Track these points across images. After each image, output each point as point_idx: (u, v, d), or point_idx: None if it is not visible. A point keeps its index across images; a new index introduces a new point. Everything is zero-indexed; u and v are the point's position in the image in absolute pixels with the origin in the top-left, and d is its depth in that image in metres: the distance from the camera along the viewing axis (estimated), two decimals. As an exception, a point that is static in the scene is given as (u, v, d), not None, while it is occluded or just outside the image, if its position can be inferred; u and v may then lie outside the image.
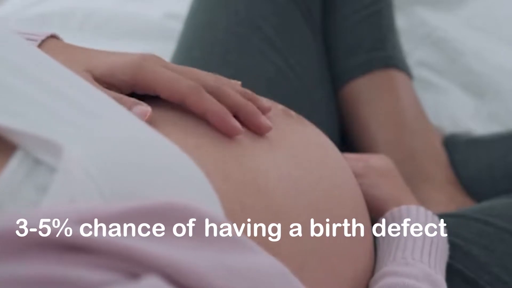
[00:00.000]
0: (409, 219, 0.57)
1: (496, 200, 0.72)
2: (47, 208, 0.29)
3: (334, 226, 0.49)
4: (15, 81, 0.35)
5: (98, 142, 0.34)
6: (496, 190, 0.81)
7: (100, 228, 0.28)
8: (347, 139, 0.91)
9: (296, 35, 0.85)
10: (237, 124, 0.45)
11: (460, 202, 0.83)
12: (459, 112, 1.00)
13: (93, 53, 0.50)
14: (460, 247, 0.60)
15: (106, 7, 1.12)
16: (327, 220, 0.48)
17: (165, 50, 0.91)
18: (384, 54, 0.89)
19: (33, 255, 0.26)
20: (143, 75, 0.46)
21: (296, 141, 0.50)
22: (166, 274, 0.28)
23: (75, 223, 0.27)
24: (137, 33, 1.07)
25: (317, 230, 0.47)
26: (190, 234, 0.31)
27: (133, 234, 0.29)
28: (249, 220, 0.42)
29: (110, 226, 0.28)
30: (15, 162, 0.31)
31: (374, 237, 0.58)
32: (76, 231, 0.27)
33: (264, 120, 0.48)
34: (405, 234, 0.55)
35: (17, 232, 0.26)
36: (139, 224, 0.29)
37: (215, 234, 0.32)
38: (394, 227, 0.57)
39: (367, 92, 0.87)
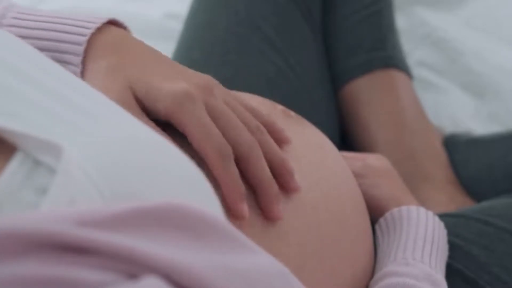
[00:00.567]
0: (409, 220, 0.57)
1: (496, 200, 0.72)
2: (47, 209, 0.29)
3: (333, 226, 0.49)
4: (14, 82, 0.35)
5: (98, 143, 0.34)
6: (496, 190, 0.81)
7: (99, 229, 0.28)
8: (347, 139, 0.91)
9: (296, 35, 0.85)
10: (245, 211, 0.42)
11: (460, 202, 0.83)
12: (459, 112, 1.00)
13: (146, 62, 0.47)
14: (460, 247, 0.60)
15: (106, 7, 1.12)
16: (326, 220, 0.48)
17: (165, 50, 0.90)
18: (384, 54, 0.89)
19: (32, 255, 0.26)
20: (178, 116, 0.43)
21: (295, 142, 0.50)
22: (165, 275, 0.28)
23: (75, 224, 0.27)
24: (137, 33, 1.06)
25: (315, 230, 0.47)
26: (190, 234, 0.31)
27: (133, 235, 0.29)
28: (248, 221, 0.42)
29: (110, 227, 0.28)
30: (15, 164, 0.31)
31: (374, 237, 0.58)
32: (75, 232, 0.27)
33: (277, 209, 0.45)
34: (405, 235, 0.55)
35: (17, 233, 0.26)
36: (138, 225, 0.29)
37: (214, 235, 0.32)
38: (394, 227, 0.57)
39: (367, 92, 0.87)
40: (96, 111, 0.36)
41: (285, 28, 0.83)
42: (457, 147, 0.89)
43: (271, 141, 0.46)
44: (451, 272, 0.57)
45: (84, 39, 0.47)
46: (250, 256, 0.33)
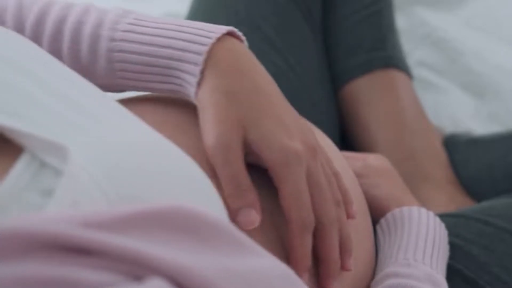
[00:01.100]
0: (411, 220, 0.56)
1: (496, 200, 0.72)
2: (52, 211, 0.29)
3: None
4: (23, 84, 0.35)
5: (103, 146, 0.34)
6: (496, 190, 0.81)
7: (104, 231, 0.28)
8: (347, 139, 0.91)
9: (296, 35, 0.85)
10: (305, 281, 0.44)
11: (460, 202, 0.83)
12: (459, 112, 1.00)
13: (262, 99, 0.46)
14: (460, 247, 0.60)
15: (106, 7, 1.11)
16: None
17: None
18: (384, 54, 0.89)
19: (37, 256, 0.26)
20: (282, 173, 0.43)
21: None
22: (169, 277, 0.28)
23: (79, 225, 0.27)
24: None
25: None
26: (193, 237, 0.31)
27: (137, 237, 0.29)
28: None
29: (114, 229, 0.28)
30: (21, 165, 0.31)
31: (375, 237, 0.58)
32: (80, 233, 0.27)
33: (333, 283, 0.46)
34: (406, 235, 0.55)
35: (22, 234, 0.26)
36: (142, 227, 0.29)
37: (217, 237, 0.32)
38: (395, 228, 0.57)
39: (367, 92, 0.87)
40: (102, 113, 0.37)
41: (285, 28, 0.83)
42: (457, 147, 0.89)
43: (345, 217, 0.47)
44: (451, 272, 0.57)
45: (204, 49, 0.46)
46: (253, 258, 0.33)
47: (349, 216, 0.49)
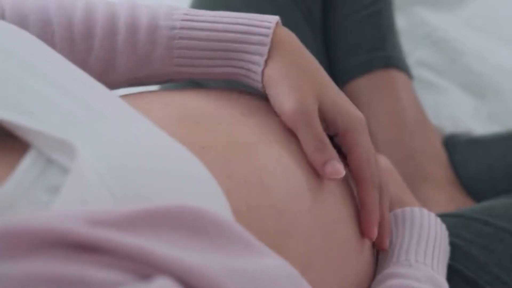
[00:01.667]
0: (413, 221, 0.56)
1: (496, 200, 0.72)
2: (59, 208, 0.29)
3: (339, 226, 0.49)
4: (30, 81, 0.35)
5: (109, 144, 0.34)
6: (496, 190, 0.81)
7: (111, 229, 0.28)
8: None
9: (296, 35, 0.84)
10: (376, 234, 0.51)
11: (460, 202, 0.83)
12: (459, 112, 1.00)
13: (323, 77, 0.52)
14: (460, 247, 0.60)
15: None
16: (331, 219, 0.48)
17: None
18: (384, 54, 0.89)
19: (43, 254, 0.26)
20: (355, 136, 0.50)
21: (298, 141, 0.50)
22: (177, 276, 0.28)
23: (86, 223, 0.27)
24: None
25: (321, 229, 0.47)
26: (200, 236, 0.31)
27: (144, 235, 0.29)
28: (255, 219, 0.42)
29: (121, 227, 0.28)
30: (28, 161, 0.31)
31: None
32: (87, 231, 0.27)
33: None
34: (408, 236, 0.55)
35: (28, 232, 0.26)
36: (149, 226, 0.29)
37: (224, 237, 0.32)
38: (397, 228, 0.57)
39: (367, 92, 0.87)
40: (109, 112, 0.37)
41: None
42: (457, 147, 0.89)
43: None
44: (451, 272, 0.57)
45: (269, 31, 0.51)
46: (259, 258, 0.33)
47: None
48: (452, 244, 0.59)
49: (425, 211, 0.58)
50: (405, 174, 0.76)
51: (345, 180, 0.53)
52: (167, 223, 0.30)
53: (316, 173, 0.49)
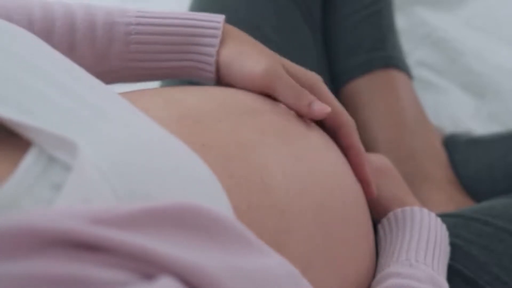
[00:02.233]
0: (413, 221, 0.56)
1: (496, 200, 0.72)
2: (61, 207, 0.29)
3: (338, 225, 0.49)
4: (30, 80, 0.35)
5: (111, 142, 0.34)
6: (496, 190, 0.81)
7: (113, 228, 0.28)
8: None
9: (296, 35, 0.84)
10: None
11: (460, 202, 0.83)
12: (459, 112, 1.00)
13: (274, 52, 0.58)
14: (460, 247, 0.60)
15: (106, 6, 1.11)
16: (331, 219, 0.48)
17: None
18: (384, 54, 0.89)
19: (46, 253, 0.26)
20: (321, 88, 0.56)
21: (299, 140, 0.50)
22: (179, 275, 0.28)
23: (88, 222, 0.27)
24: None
25: (321, 228, 0.47)
26: (202, 235, 0.31)
27: (146, 234, 0.29)
28: (256, 218, 0.42)
29: (124, 226, 0.28)
30: (30, 159, 0.31)
31: (375, 238, 0.58)
32: (89, 229, 0.27)
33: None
34: (408, 236, 0.55)
35: (30, 231, 0.26)
36: (152, 225, 0.29)
37: (226, 236, 0.32)
38: (397, 228, 0.57)
39: (367, 92, 0.87)
40: (111, 111, 0.37)
41: (285, 28, 0.83)
42: (457, 147, 0.89)
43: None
44: (451, 272, 0.57)
45: (219, 25, 0.56)
46: (260, 257, 0.33)
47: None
48: (452, 244, 0.59)
49: (425, 211, 0.58)
50: (405, 174, 0.76)
51: (344, 180, 0.53)
52: (169, 221, 0.30)
53: (316, 173, 0.49)
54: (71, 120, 0.34)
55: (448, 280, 0.53)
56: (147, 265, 0.28)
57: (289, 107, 0.53)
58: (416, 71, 1.02)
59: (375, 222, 0.60)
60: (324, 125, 0.57)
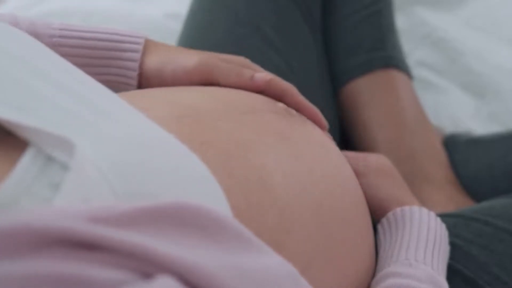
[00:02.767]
0: (412, 220, 0.56)
1: (496, 200, 0.72)
2: (60, 206, 0.29)
3: (338, 225, 0.49)
4: (28, 79, 0.35)
5: (110, 142, 0.34)
6: (496, 190, 0.81)
7: (112, 227, 0.28)
8: (347, 139, 0.91)
9: (296, 35, 0.84)
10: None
11: (460, 202, 0.83)
12: (459, 112, 1.00)
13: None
14: (460, 247, 0.60)
15: (106, 7, 1.12)
16: (330, 218, 0.48)
17: (165, 50, 0.90)
18: (384, 54, 0.89)
19: (45, 252, 0.26)
20: (252, 67, 0.59)
21: (298, 139, 0.50)
22: (178, 274, 0.28)
23: (87, 220, 0.27)
24: (137, 33, 1.07)
25: (321, 228, 0.47)
26: (201, 234, 0.31)
27: (145, 233, 0.29)
28: (255, 218, 0.42)
29: (123, 225, 0.28)
30: (27, 159, 0.31)
31: (375, 237, 0.58)
32: (89, 229, 0.27)
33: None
34: (408, 235, 0.55)
35: (29, 230, 0.26)
36: (151, 224, 0.29)
37: (224, 235, 0.32)
38: (396, 227, 0.57)
39: (367, 92, 0.87)
40: (110, 109, 0.37)
41: (285, 28, 0.83)
42: (457, 147, 0.89)
43: None
44: (451, 272, 0.57)
45: (141, 40, 0.57)
46: (259, 257, 0.33)
47: None
48: (452, 244, 0.59)
49: (425, 210, 0.58)
50: (405, 174, 0.76)
51: (344, 180, 0.53)
52: (168, 220, 0.30)
53: (315, 172, 0.49)
54: (71, 120, 0.34)
55: (448, 280, 0.53)
56: (146, 264, 0.28)
57: (233, 86, 0.55)
58: (416, 71, 1.02)
59: (375, 222, 0.60)
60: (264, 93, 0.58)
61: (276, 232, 0.43)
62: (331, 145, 0.55)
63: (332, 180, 0.50)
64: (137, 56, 0.56)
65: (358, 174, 0.62)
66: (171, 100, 0.48)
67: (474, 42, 1.06)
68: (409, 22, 1.10)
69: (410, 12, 1.11)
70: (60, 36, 0.55)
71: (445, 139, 0.92)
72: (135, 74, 0.56)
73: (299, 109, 0.57)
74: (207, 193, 0.37)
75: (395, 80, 0.88)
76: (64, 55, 0.54)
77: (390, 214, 0.59)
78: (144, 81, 0.57)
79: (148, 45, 0.58)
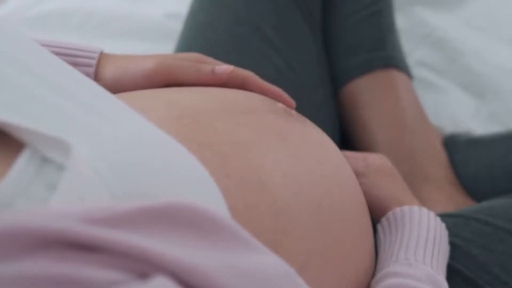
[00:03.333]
0: (412, 220, 0.56)
1: (496, 200, 0.72)
2: (56, 207, 0.29)
3: (337, 225, 0.49)
4: (24, 80, 0.35)
5: (107, 142, 0.34)
6: (496, 190, 0.81)
7: (108, 227, 0.28)
8: (347, 139, 0.91)
9: (296, 35, 0.84)
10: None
11: (460, 202, 0.83)
12: (459, 112, 1.00)
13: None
14: (460, 247, 0.60)
15: (106, 7, 1.12)
16: (329, 219, 0.48)
17: (165, 50, 0.91)
18: (384, 54, 0.89)
19: (42, 253, 0.26)
20: (208, 60, 0.59)
21: (297, 139, 0.50)
22: (174, 274, 0.28)
23: (83, 221, 0.27)
24: (137, 33, 1.07)
25: (319, 228, 0.47)
26: (198, 234, 0.31)
27: (142, 233, 0.29)
28: (253, 218, 0.42)
29: (120, 225, 0.28)
30: (23, 160, 0.31)
31: (374, 237, 0.58)
32: (85, 229, 0.27)
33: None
34: (407, 235, 0.55)
35: (24, 231, 0.26)
36: (147, 224, 0.29)
37: (221, 235, 0.32)
38: (396, 227, 0.57)
39: (367, 92, 0.87)
40: (105, 109, 0.37)
41: (285, 28, 0.83)
42: (457, 147, 0.89)
43: None
44: (451, 272, 0.57)
45: (96, 55, 0.57)
46: (256, 256, 0.33)
47: None
48: (452, 244, 0.59)
49: (424, 210, 0.58)
50: (405, 174, 0.76)
51: (343, 180, 0.53)
52: (164, 220, 0.30)
53: (314, 173, 0.49)
54: (67, 121, 0.34)
55: (448, 280, 0.53)
56: (142, 265, 0.28)
57: (194, 84, 0.55)
58: (416, 71, 1.02)
59: (375, 222, 0.60)
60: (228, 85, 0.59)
61: (274, 233, 0.43)
62: (330, 145, 0.55)
63: (331, 180, 0.50)
64: (91, 70, 0.56)
65: (358, 174, 0.62)
66: (169, 100, 0.48)
67: (474, 42, 1.06)
68: (409, 22, 1.10)
69: (410, 12, 1.11)
70: None
71: (445, 139, 0.92)
72: None
73: (262, 92, 0.57)
74: (205, 194, 0.37)
75: (395, 80, 0.88)
76: None
77: (390, 214, 0.59)
78: None
79: (102, 58, 0.58)
